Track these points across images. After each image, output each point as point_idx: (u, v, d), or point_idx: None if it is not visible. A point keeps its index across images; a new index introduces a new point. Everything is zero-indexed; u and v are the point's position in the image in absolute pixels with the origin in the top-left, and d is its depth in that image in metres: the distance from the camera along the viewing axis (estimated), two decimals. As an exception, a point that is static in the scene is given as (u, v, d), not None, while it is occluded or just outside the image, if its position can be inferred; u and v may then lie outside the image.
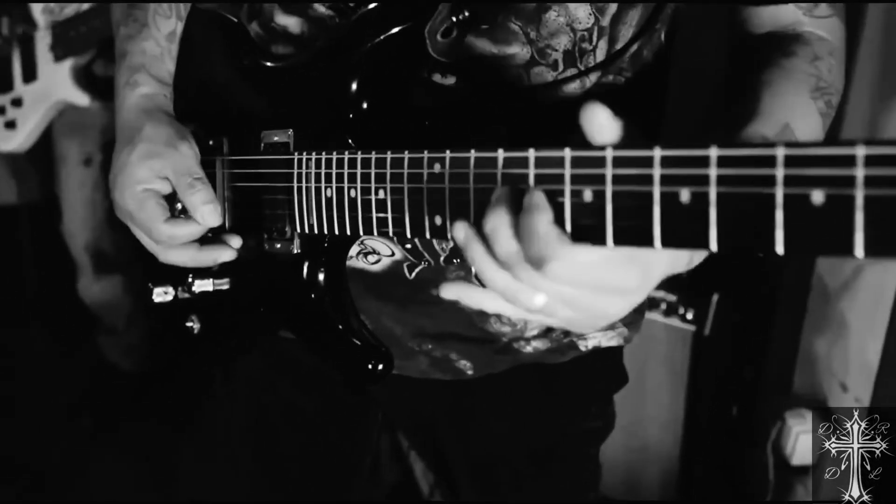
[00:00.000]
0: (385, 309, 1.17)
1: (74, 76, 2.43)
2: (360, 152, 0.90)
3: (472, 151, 0.77)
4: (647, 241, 0.65)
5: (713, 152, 0.61)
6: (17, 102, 2.56)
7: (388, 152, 0.86)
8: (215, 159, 1.15)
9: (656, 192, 0.64)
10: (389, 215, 0.88)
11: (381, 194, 0.88)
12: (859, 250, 0.54)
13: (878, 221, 0.54)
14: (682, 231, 0.63)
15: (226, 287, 1.19)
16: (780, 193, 0.57)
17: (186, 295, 1.23)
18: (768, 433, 2.06)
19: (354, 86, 0.98)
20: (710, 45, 1.16)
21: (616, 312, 0.76)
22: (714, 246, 0.61)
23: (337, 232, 0.95)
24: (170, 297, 1.25)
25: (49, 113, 2.56)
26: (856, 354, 1.90)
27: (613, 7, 0.99)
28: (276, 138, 1.06)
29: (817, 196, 0.56)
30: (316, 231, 0.99)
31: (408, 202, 0.85)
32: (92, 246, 2.69)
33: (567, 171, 0.70)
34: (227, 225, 1.14)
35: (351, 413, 1.38)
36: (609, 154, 0.67)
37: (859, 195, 0.54)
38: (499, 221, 0.72)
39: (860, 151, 0.54)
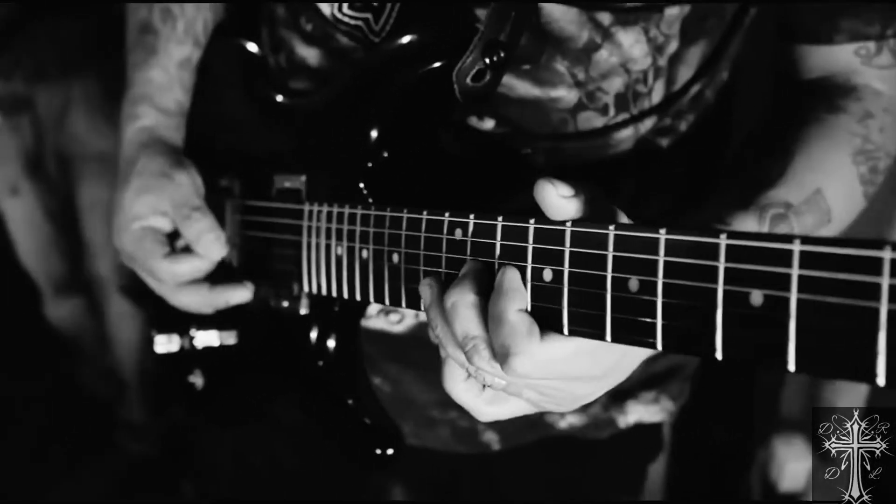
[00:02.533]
0: (407, 374, 1.10)
1: None
2: (373, 208, 0.83)
3: (500, 219, 0.69)
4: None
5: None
6: None
7: (405, 211, 0.78)
8: (226, 202, 1.09)
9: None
10: (403, 285, 0.79)
11: (395, 259, 0.77)
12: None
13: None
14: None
15: (232, 342, 1.12)
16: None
17: (191, 347, 1.16)
18: (754, 458, 2.02)
19: (374, 134, 0.89)
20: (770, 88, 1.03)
21: (587, 395, 0.73)
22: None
23: (346, 297, 0.86)
24: (174, 348, 1.19)
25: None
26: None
27: (674, 45, 0.90)
28: (287, 184, 0.99)
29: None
30: (324, 293, 0.92)
31: (423, 273, 0.74)
32: (44, 271, 2.64)
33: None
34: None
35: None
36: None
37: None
38: (460, 298, 0.68)
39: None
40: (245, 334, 1.10)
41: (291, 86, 1.07)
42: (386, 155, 0.89)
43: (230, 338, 1.11)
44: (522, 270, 0.66)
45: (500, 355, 0.66)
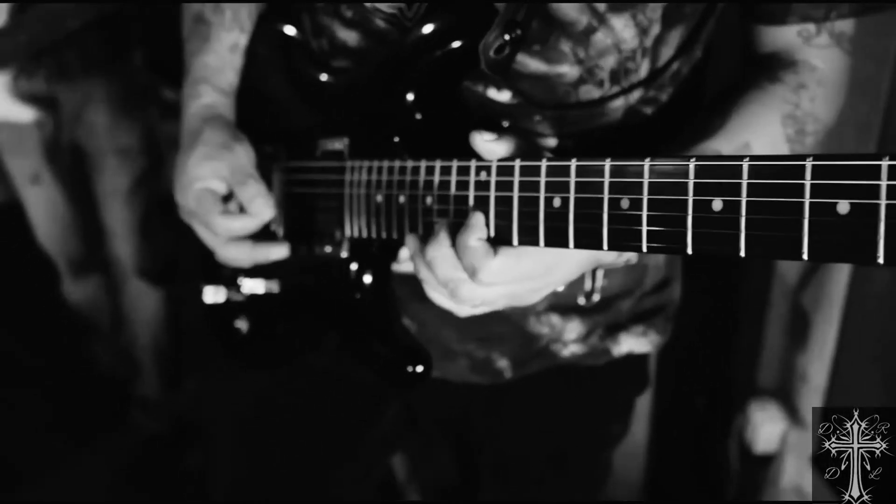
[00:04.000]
0: (429, 312, 1.17)
1: (14, 91, 2.41)
2: (409, 161, 0.97)
3: (517, 161, 0.83)
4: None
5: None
6: None
7: (438, 161, 0.92)
8: (272, 165, 1.23)
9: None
10: (435, 220, 0.94)
11: (429, 201, 0.94)
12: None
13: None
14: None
15: (276, 290, 1.26)
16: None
17: (238, 297, 1.29)
18: (732, 423, 2.13)
19: (410, 97, 1.04)
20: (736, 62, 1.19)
21: (541, 288, 0.95)
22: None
23: (384, 236, 1.01)
24: (221, 298, 1.33)
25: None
26: (816, 345, 1.98)
27: (657, 29, 1.02)
28: (331, 146, 1.13)
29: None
30: (364, 235, 1.05)
31: (453, 210, 0.91)
32: (63, 252, 2.73)
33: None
34: (282, 231, 1.20)
35: (360, 396, 1.39)
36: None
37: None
38: (437, 252, 0.92)
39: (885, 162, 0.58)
40: (288, 284, 1.23)
41: (334, 65, 1.18)
42: (419, 117, 1.05)
43: (274, 286, 1.25)
44: (535, 199, 0.85)
45: (469, 273, 0.89)
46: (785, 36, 1.04)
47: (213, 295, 1.35)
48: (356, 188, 1.07)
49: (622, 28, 1.01)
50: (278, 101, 1.24)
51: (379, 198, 1.03)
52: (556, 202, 0.82)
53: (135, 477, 2.65)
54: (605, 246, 0.79)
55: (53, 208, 2.65)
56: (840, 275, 1.89)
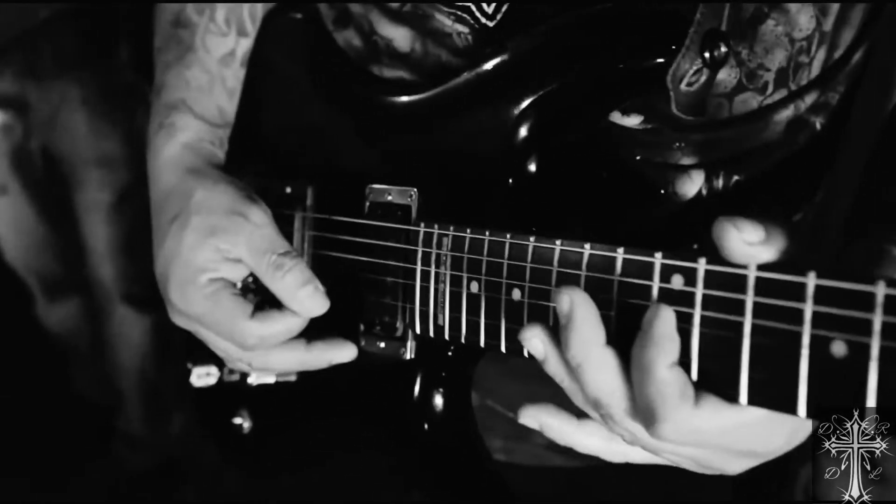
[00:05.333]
0: (495, 372, 0.94)
1: None
2: (532, 238, 0.64)
3: (753, 269, 0.53)
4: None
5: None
6: None
7: (586, 247, 0.60)
8: (293, 214, 0.92)
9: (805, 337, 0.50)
10: None
11: (566, 306, 0.60)
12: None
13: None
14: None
15: (292, 379, 0.96)
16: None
17: (235, 378, 1.01)
18: (798, 475, 1.91)
19: (523, 132, 0.71)
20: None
21: (739, 468, 0.65)
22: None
23: (483, 345, 0.71)
24: (213, 381, 1.05)
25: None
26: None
27: (836, 6, 0.81)
28: (389, 198, 0.82)
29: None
30: (446, 337, 0.75)
31: (615, 326, 0.58)
32: (35, 272, 2.55)
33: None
34: None
35: None
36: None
37: None
38: (586, 355, 0.59)
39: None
40: (310, 374, 0.92)
41: (377, 72, 0.90)
42: (533, 168, 0.73)
43: (290, 375, 0.95)
44: (796, 336, 0.50)
45: (645, 416, 0.58)
46: None
47: (204, 378, 1.08)
48: (435, 265, 0.75)
49: (797, 10, 0.79)
50: (304, 122, 0.97)
51: (475, 286, 0.70)
52: (839, 348, 0.47)
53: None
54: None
55: (22, 222, 2.46)
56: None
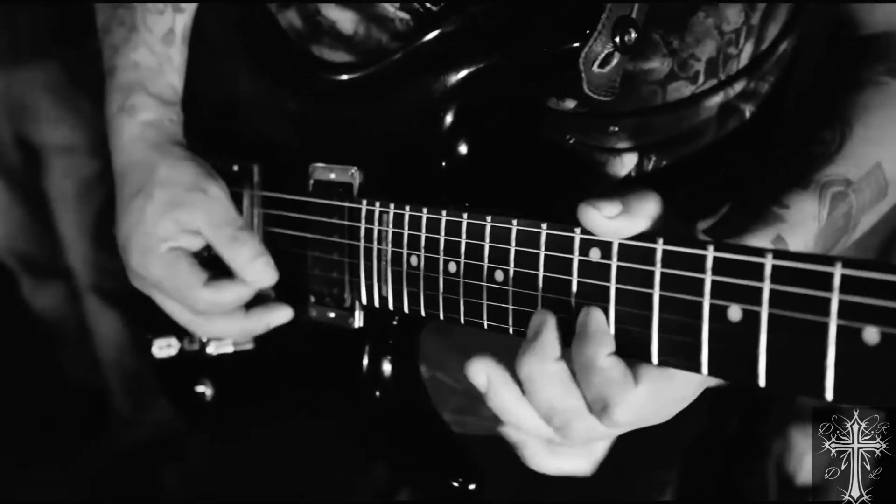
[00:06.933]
0: (448, 353, 0.98)
1: None
2: (465, 214, 0.68)
3: (660, 243, 0.57)
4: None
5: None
6: None
7: (514, 222, 0.64)
8: (242, 192, 0.94)
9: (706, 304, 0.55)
10: (511, 305, 0.67)
11: (500, 278, 0.66)
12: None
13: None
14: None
15: (249, 347, 0.98)
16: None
17: (195, 348, 1.03)
18: (770, 450, 1.97)
19: (450, 118, 0.75)
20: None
21: (671, 415, 0.68)
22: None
23: (424, 314, 0.74)
24: (174, 351, 1.06)
25: None
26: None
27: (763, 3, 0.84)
28: (332, 176, 0.84)
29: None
30: (390, 307, 0.78)
31: (541, 297, 0.62)
32: (15, 253, 2.48)
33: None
34: None
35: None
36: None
37: None
38: (538, 367, 0.62)
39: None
40: (267, 338, 0.95)
41: (316, 52, 0.92)
42: (464, 151, 0.76)
43: (247, 342, 0.98)
44: (696, 305, 0.56)
45: (597, 409, 0.61)
46: None
47: (166, 349, 1.08)
48: (378, 242, 0.78)
49: (726, 4, 0.81)
50: (241, 100, 0.96)
51: (415, 260, 0.74)
52: (735, 313, 0.53)
53: (109, 492, 2.47)
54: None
55: (1, 208, 2.39)
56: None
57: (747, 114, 0.89)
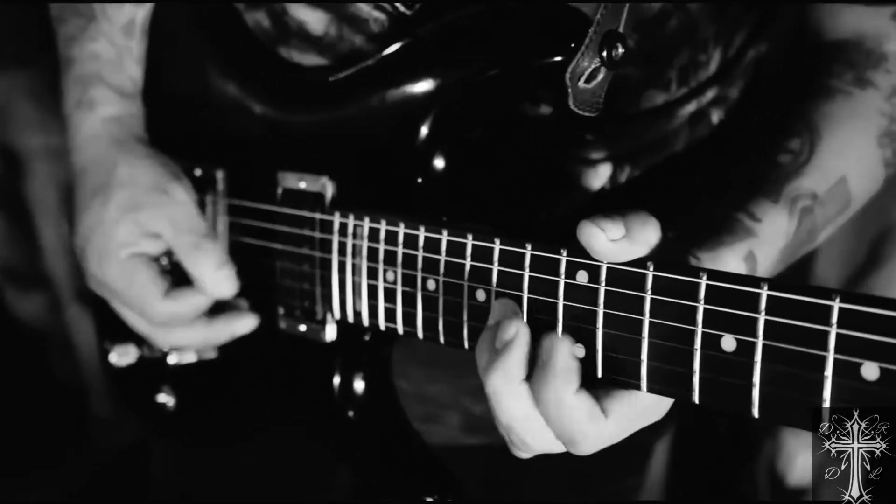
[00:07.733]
0: (414, 364, 0.96)
1: None
2: (445, 231, 0.66)
3: (651, 268, 0.55)
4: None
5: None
6: None
7: (497, 242, 0.63)
8: (204, 198, 0.90)
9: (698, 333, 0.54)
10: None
11: (481, 297, 0.64)
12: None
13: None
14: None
15: (212, 356, 0.95)
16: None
17: (157, 356, 0.98)
18: (761, 451, 1.94)
19: (424, 131, 0.72)
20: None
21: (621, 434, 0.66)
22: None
23: (402, 332, 0.73)
24: (132, 360, 1.01)
25: None
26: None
27: (732, 9, 0.82)
28: (302, 185, 0.81)
29: None
30: (366, 323, 0.76)
31: (529, 318, 0.61)
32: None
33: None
34: None
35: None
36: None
37: None
38: (501, 385, 0.60)
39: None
40: (230, 348, 0.92)
41: (284, 53, 0.87)
42: (441, 166, 0.74)
43: (210, 351, 0.94)
44: (689, 334, 0.55)
45: (563, 440, 0.62)
46: (874, 18, 0.82)
47: (124, 356, 1.04)
48: (352, 256, 0.76)
49: (697, 11, 0.80)
50: (206, 103, 0.92)
51: (391, 276, 0.72)
52: (728, 343, 0.52)
53: (98, 493, 2.43)
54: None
55: None
56: (892, 282, 1.71)
57: (715, 119, 0.88)
